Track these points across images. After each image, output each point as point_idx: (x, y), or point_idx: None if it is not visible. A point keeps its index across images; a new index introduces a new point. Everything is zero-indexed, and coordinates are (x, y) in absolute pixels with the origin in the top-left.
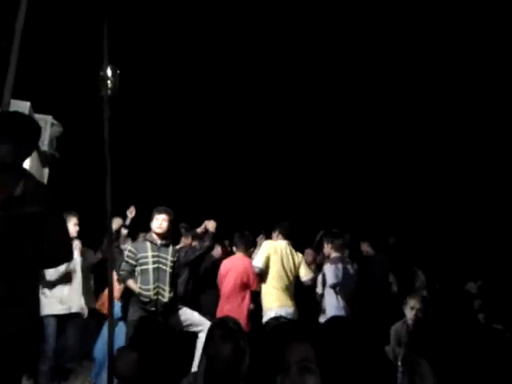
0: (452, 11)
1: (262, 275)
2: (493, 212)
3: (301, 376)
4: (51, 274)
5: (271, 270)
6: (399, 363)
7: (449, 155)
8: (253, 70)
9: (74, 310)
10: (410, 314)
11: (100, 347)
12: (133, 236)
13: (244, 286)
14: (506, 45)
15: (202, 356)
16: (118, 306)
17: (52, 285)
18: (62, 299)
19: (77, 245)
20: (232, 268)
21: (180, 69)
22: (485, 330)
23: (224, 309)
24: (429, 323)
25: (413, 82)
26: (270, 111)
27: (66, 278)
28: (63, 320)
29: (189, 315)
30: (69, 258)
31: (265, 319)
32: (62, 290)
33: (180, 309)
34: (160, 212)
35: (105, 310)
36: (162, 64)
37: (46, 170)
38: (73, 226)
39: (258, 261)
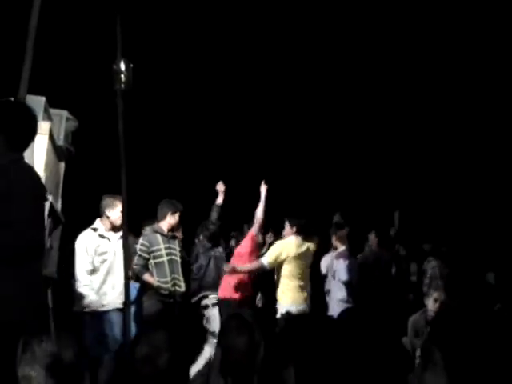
0: (452, 11)
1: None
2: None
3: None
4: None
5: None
6: (417, 353)
7: (458, 147)
8: (266, 63)
9: (105, 308)
10: (432, 305)
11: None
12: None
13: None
14: (506, 45)
15: (216, 347)
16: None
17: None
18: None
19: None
20: None
21: (194, 62)
22: (503, 320)
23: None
24: (451, 315)
25: (413, 75)
26: (271, 109)
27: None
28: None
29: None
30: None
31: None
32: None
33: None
34: (180, 208)
35: None
36: (175, 57)
37: (62, 165)
38: (120, 213)
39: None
